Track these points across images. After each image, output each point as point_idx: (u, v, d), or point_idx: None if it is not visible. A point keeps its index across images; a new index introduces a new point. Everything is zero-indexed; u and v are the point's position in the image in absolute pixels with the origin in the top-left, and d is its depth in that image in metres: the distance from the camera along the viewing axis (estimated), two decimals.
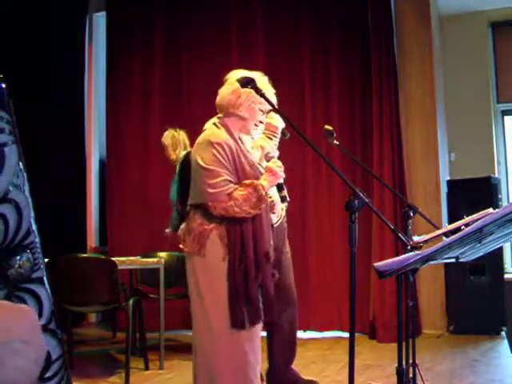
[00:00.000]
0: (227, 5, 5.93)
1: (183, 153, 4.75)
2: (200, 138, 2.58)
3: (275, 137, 3.38)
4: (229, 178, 2.48)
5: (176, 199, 4.79)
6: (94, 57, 6.61)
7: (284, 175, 2.65)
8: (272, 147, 3.32)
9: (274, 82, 5.73)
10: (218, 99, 2.65)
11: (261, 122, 2.67)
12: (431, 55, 5.51)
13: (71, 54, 6.32)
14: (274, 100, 2.65)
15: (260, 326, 2.58)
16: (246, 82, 2.45)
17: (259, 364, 2.58)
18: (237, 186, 2.49)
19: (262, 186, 2.52)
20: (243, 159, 2.56)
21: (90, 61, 6.58)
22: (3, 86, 2.31)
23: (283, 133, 3.06)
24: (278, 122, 3.37)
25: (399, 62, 5.47)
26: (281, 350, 3.58)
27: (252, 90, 2.49)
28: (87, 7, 6.52)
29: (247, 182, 2.52)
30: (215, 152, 2.47)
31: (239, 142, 2.60)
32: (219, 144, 2.49)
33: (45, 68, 6.11)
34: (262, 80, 2.63)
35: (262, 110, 2.63)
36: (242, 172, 2.54)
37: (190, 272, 2.55)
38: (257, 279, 2.48)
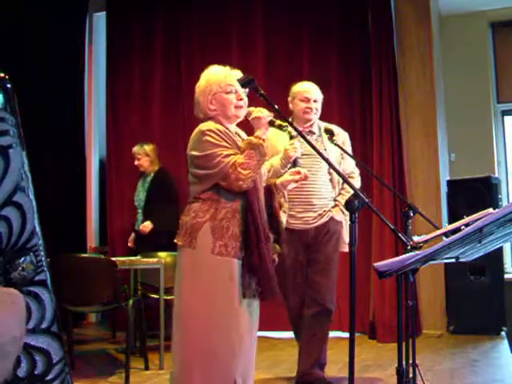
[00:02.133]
0: (227, 5, 5.94)
1: (156, 168, 5.32)
2: (191, 136, 2.58)
3: (286, 166, 3.38)
4: (227, 152, 2.46)
5: (144, 204, 5.25)
6: (93, 57, 6.62)
7: (269, 113, 2.57)
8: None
9: (274, 82, 5.74)
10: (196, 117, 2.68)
11: (240, 99, 2.59)
12: (431, 55, 5.51)
13: (71, 54, 6.33)
14: (236, 76, 2.59)
15: (247, 329, 2.51)
16: (246, 82, 2.46)
17: (238, 369, 2.49)
18: (236, 156, 2.47)
19: (256, 137, 2.50)
20: (239, 140, 2.57)
21: (90, 61, 6.58)
22: (8, 86, 2.30)
23: (295, 162, 2.98)
24: (294, 153, 3.25)
25: (399, 62, 5.48)
26: (304, 346, 3.63)
27: (200, 86, 2.60)
28: (87, 7, 6.52)
29: (241, 145, 2.52)
30: (208, 138, 2.47)
31: (232, 131, 2.59)
32: (210, 130, 2.48)
33: (45, 68, 6.11)
34: (221, 70, 2.63)
35: (229, 92, 2.57)
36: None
37: (178, 265, 2.54)
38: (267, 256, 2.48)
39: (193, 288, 2.47)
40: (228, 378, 2.45)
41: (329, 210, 3.61)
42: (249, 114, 2.60)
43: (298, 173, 2.69)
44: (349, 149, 3.76)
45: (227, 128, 2.56)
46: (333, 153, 3.59)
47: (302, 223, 3.57)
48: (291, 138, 3.43)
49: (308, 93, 3.67)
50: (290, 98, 3.75)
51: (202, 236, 2.46)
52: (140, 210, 5.31)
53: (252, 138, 2.52)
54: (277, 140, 3.58)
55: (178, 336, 2.49)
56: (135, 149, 5.29)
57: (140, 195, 5.32)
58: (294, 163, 2.92)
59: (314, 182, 3.54)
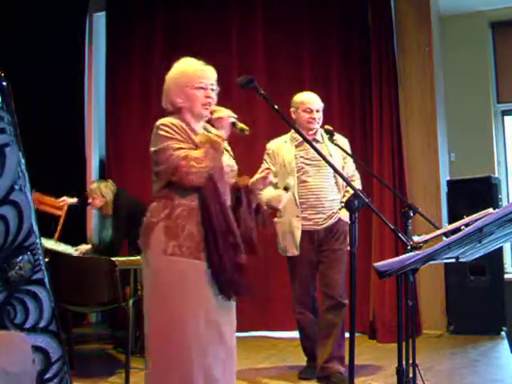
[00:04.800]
0: (228, 6, 5.93)
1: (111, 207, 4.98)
2: None
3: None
4: (179, 145, 2.36)
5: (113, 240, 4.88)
6: (93, 57, 6.61)
7: (234, 114, 2.48)
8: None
9: (274, 83, 5.74)
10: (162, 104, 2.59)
11: (208, 96, 2.49)
12: (431, 55, 5.51)
13: (71, 54, 6.32)
14: (210, 74, 2.52)
15: (211, 328, 2.38)
16: (246, 83, 2.43)
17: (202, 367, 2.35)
18: (189, 151, 2.36)
19: (217, 136, 2.41)
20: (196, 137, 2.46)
21: (90, 61, 6.58)
22: (4, 83, 2.30)
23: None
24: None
25: (399, 61, 5.47)
26: (319, 339, 3.78)
27: (172, 76, 2.53)
28: (87, 7, 6.51)
29: (200, 140, 2.41)
30: (161, 132, 2.39)
31: (197, 130, 2.49)
32: (163, 124, 2.41)
33: (45, 68, 6.11)
34: (194, 63, 2.55)
35: (202, 88, 2.49)
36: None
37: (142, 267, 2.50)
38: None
39: (150, 291, 2.41)
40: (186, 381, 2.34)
41: (336, 212, 3.82)
42: (212, 112, 2.50)
43: (267, 169, 2.62)
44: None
45: (186, 123, 2.46)
46: (336, 158, 3.81)
47: (312, 224, 3.79)
48: (296, 146, 3.73)
49: (311, 103, 3.88)
50: (292, 109, 3.92)
51: (155, 236, 2.38)
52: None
53: (211, 134, 2.43)
54: (279, 149, 3.90)
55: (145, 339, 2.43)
56: (92, 186, 5.04)
57: (104, 233, 5.03)
58: (285, 189, 2.97)
59: (320, 187, 3.81)
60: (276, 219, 3.91)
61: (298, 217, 3.77)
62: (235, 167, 2.60)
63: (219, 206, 2.39)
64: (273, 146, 3.99)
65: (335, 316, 3.73)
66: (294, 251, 3.79)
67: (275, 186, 3.31)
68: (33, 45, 6.10)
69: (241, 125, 2.49)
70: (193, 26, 6.01)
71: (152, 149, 2.43)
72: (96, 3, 6.50)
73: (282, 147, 3.90)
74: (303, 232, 3.77)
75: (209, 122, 2.57)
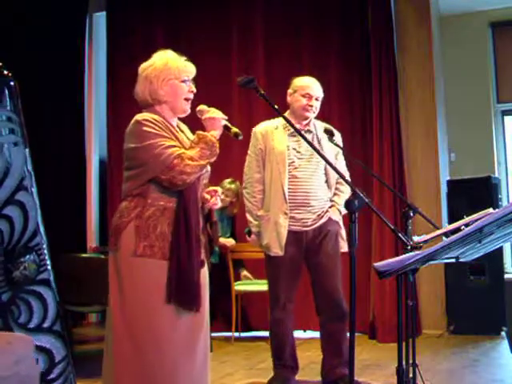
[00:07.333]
0: (228, 5, 5.94)
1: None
2: (127, 129, 2.43)
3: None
4: (169, 143, 2.28)
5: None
6: (94, 57, 6.61)
7: (224, 116, 2.43)
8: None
9: (274, 83, 5.73)
10: (136, 97, 2.52)
11: (191, 91, 2.46)
12: (431, 55, 5.51)
13: (71, 55, 6.33)
14: (193, 68, 2.49)
15: (180, 337, 2.28)
16: (246, 82, 2.42)
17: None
18: (181, 149, 2.28)
19: (212, 135, 2.34)
20: (179, 134, 2.40)
21: (90, 61, 6.58)
22: (12, 83, 2.29)
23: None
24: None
25: (399, 62, 5.48)
26: (324, 346, 3.63)
27: (157, 66, 2.46)
28: (87, 7, 6.51)
29: (194, 139, 2.35)
30: (145, 128, 2.30)
31: (174, 125, 2.44)
32: (146, 120, 2.33)
33: (44, 68, 6.11)
34: (177, 57, 2.49)
35: (184, 81, 2.43)
36: (181, 144, 2.36)
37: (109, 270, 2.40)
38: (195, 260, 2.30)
39: (118, 296, 2.33)
40: None
41: (326, 211, 3.56)
42: (201, 112, 2.44)
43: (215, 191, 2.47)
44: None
45: (165, 118, 2.40)
46: (328, 154, 3.49)
47: (300, 225, 3.51)
48: (294, 134, 3.40)
49: (311, 89, 3.60)
50: (290, 91, 3.67)
51: (125, 237, 2.27)
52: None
53: (207, 134, 2.35)
54: (269, 135, 3.58)
55: (108, 350, 2.34)
56: (231, 186, 5.14)
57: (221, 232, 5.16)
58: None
59: (310, 184, 3.53)
60: (261, 212, 3.57)
61: (285, 214, 3.46)
62: (208, 168, 2.50)
63: (195, 208, 2.32)
64: (262, 130, 3.63)
65: (343, 324, 3.51)
66: (277, 251, 3.47)
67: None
68: (33, 45, 6.10)
69: (235, 129, 2.41)
70: (193, 26, 6.01)
71: (131, 145, 2.32)
72: (96, 3, 6.50)
73: (273, 133, 3.57)
74: (289, 233, 3.47)
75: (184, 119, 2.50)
